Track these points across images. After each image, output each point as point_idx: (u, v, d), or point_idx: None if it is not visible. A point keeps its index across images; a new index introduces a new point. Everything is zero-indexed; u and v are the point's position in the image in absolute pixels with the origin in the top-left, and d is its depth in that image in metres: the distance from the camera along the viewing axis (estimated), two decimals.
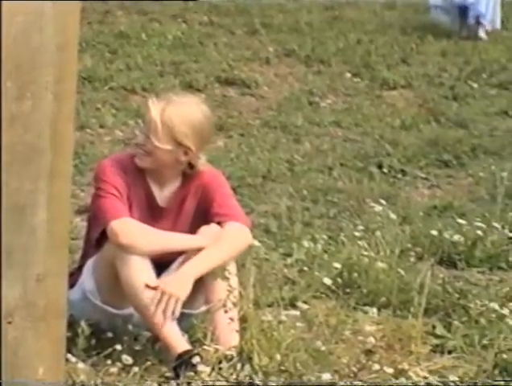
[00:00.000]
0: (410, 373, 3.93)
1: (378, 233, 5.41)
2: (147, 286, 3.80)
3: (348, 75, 10.64)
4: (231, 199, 4.15)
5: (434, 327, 4.56)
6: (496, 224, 6.10)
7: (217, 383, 3.58)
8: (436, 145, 8.68)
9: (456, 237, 5.80)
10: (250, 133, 8.54)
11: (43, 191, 2.51)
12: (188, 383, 3.60)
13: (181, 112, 3.97)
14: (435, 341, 4.38)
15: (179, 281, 3.83)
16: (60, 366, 2.81)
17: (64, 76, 2.53)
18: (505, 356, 4.08)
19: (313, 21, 12.47)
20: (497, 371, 3.98)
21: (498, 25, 14.38)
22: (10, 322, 2.50)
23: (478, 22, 14.46)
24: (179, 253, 3.95)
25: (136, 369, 3.68)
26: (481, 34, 13.88)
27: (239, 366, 3.64)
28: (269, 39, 11.14)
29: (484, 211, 6.65)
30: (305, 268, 4.98)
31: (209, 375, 3.59)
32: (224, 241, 3.90)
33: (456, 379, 3.87)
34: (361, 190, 6.91)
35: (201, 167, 4.02)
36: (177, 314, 3.83)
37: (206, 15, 12.37)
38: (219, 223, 3.93)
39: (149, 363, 3.82)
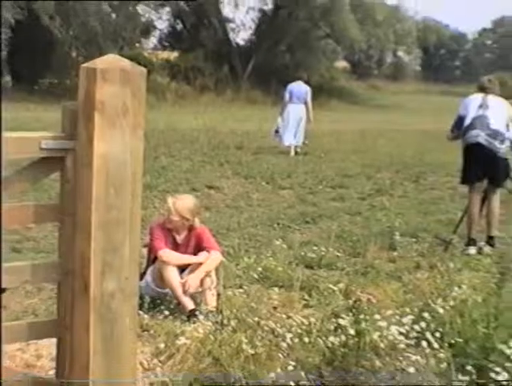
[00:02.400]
0: None
1: None
2: (175, 280, 6.92)
3: None
4: (211, 239, 7.34)
5: None
6: None
7: (205, 322, 6.07)
8: None
9: None
10: None
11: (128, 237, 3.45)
12: (194, 321, 6.30)
13: (182, 202, 7.23)
14: None
15: (191, 279, 6.85)
16: (136, 318, 3.69)
17: (135, 189, 3.45)
18: None
19: None
20: None
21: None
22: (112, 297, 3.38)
23: None
24: (189, 264, 7.06)
25: (170, 317, 6.43)
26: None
27: (217, 315, 6.22)
28: None
29: None
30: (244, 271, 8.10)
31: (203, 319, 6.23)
32: (210, 260, 7.04)
33: None
34: None
35: (196, 225, 7.26)
36: (190, 291, 6.91)
37: None
38: (207, 251, 7.10)
39: (176, 314, 6.60)
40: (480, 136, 9.78)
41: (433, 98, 58.64)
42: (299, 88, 21.71)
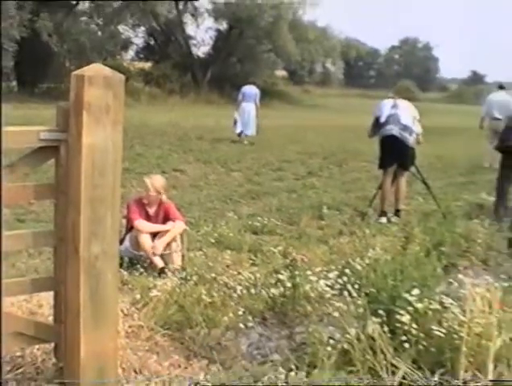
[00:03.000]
0: None
1: None
2: (148, 244, 6.98)
3: None
4: (176, 212, 7.34)
5: None
6: None
7: (173, 277, 5.93)
8: None
9: None
10: None
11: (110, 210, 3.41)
12: (163, 277, 6.24)
13: (157, 180, 7.31)
14: None
15: (159, 243, 6.92)
16: (117, 275, 3.68)
17: (116, 172, 3.43)
18: None
19: None
20: None
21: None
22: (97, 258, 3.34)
23: None
24: (159, 232, 7.08)
25: (145, 274, 6.43)
26: None
27: (182, 272, 6.21)
28: None
29: None
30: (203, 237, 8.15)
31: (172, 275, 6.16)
32: (175, 228, 7.09)
33: None
34: None
35: (164, 200, 7.29)
36: (157, 253, 6.98)
37: None
38: (173, 221, 7.15)
39: (149, 271, 6.65)
40: (394, 129, 9.97)
41: (352, 100, 58.97)
42: (251, 89, 21.98)
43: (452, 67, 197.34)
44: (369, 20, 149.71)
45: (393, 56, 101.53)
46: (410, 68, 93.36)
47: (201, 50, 52.27)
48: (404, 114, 10.13)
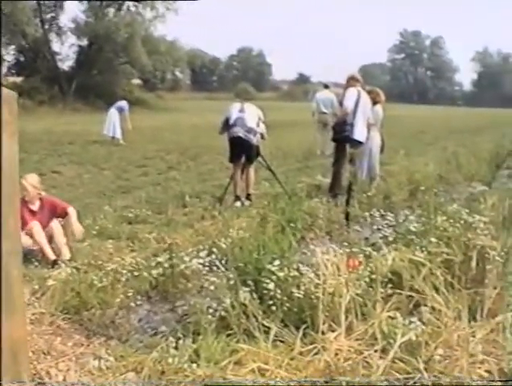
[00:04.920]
0: None
1: None
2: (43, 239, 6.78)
3: None
4: (62, 202, 7.27)
5: None
6: None
7: (66, 268, 5.62)
8: None
9: None
10: None
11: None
12: (57, 268, 5.88)
13: (31, 178, 7.06)
14: None
15: (77, 229, 6.93)
16: (21, 269, 3.49)
17: (13, 177, 3.36)
18: None
19: None
20: None
21: None
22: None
23: None
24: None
25: (39, 266, 6.31)
26: None
27: (73, 262, 6.12)
28: None
29: None
30: (86, 230, 7.79)
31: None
32: (72, 214, 7.12)
33: None
34: None
35: (44, 195, 7.19)
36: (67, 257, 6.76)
37: None
38: (64, 209, 7.09)
39: (43, 264, 6.50)
40: (240, 132, 10.16)
41: (199, 102, 59.32)
42: (121, 104, 22.57)
43: (282, 70, 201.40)
44: (210, 32, 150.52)
45: (232, 63, 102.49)
46: (247, 73, 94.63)
47: (66, 64, 51.47)
48: (250, 117, 10.32)
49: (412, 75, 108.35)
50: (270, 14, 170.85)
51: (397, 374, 3.47)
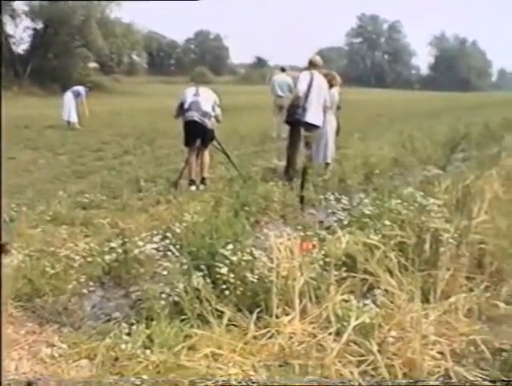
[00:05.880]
0: None
1: None
2: None
3: None
4: None
5: None
6: None
7: (18, 255, 5.30)
8: None
9: None
10: None
11: None
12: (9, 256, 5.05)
13: None
14: None
15: None
16: None
17: None
18: None
19: None
20: None
21: None
22: None
23: None
24: None
25: None
26: None
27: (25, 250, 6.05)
28: None
29: None
30: (39, 215, 7.68)
31: None
32: None
33: None
34: None
35: None
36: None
37: None
38: None
39: None
40: (195, 115, 10.07)
41: (156, 86, 58.90)
42: (78, 88, 22.47)
43: (239, 53, 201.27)
44: (167, 15, 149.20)
45: (189, 46, 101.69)
46: (204, 56, 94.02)
47: (21, 47, 50.42)
48: (205, 101, 10.23)
49: (370, 59, 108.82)
50: None
51: (350, 357, 3.49)
